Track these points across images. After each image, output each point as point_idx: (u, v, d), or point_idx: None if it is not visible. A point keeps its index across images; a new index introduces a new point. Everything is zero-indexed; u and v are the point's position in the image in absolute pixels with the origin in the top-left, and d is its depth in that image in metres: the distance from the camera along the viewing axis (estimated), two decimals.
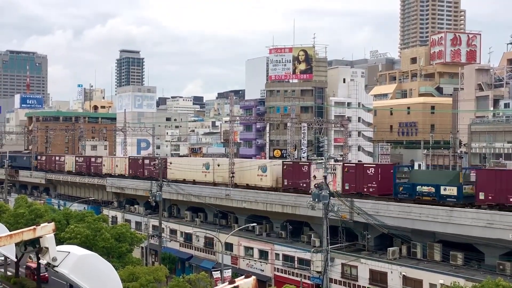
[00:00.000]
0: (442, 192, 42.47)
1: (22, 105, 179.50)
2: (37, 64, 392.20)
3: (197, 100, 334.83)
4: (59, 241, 35.61)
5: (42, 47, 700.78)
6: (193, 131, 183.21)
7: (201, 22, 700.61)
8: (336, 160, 62.44)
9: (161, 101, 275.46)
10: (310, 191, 45.96)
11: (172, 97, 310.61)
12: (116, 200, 78.96)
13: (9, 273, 57.24)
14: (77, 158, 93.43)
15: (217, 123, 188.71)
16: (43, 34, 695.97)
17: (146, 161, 74.40)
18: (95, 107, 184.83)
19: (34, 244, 18.70)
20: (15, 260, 50.29)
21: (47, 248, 13.04)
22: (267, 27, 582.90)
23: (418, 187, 44.13)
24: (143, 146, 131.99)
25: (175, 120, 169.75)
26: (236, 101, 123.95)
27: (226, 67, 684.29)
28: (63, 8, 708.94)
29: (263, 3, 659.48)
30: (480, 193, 40.60)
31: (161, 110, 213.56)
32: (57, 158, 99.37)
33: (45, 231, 13.18)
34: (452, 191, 42.06)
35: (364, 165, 54.35)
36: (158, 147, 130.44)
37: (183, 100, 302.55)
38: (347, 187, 49.13)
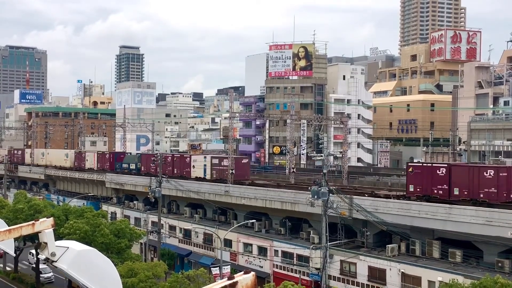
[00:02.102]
0: None
1: (22, 101, 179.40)
2: (36, 59, 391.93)
3: (197, 96, 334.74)
4: (58, 237, 35.63)
5: (42, 42, 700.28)
6: (193, 127, 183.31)
7: (202, 18, 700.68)
8: (335, 157, 62.39)
9: (161, 97, 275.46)
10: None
11: (171, 93, 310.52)
12: (115, 196, 78.97)
13: (8, 268, 57.37)
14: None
15: (217, 120, 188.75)
16: (44, 29, 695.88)
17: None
18: (95, 103, 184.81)
19: (33, 239, 18.66)
20: (14, 255, 50.46)
21: (46, 243, 13.03)
22: (268, 23, 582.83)
23: None
24: (142, 142, 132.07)
25: (174, 116, 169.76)
26: (236, 97, 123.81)
27: (226, 63, 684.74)
28: (64, 3, 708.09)
29: None
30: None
31: (161, 106, 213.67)
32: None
33: (44, 226, 13.17)
34: None
35: None
36: (158, 143, 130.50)
37: (183, 96, 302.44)
38: None
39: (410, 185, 44.78)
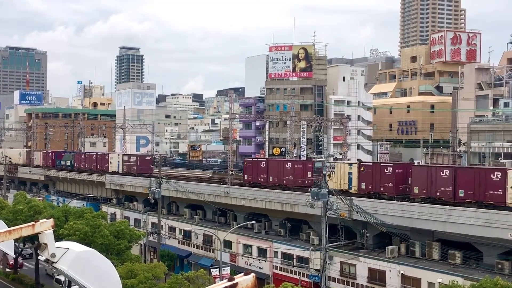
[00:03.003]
0: None
1: (22, 102, 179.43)
2: (36, 60, 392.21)
3: (197, 97, 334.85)
4: (58, 238, 35.60)
5: (43, 43, 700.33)
6: (193, 128, 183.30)
7: (203, 19, 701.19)
8: (335, 158, 62.45)
9: (161, 98, 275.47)
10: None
11: (171, 94, 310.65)
12: (115, 197, 78.95)
13: (7, 270, 57.34)
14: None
15: (217, 121, 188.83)
16: (44, 30, 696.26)
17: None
18: (95, 104, 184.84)
19: (33, 241, 18.66)
20: (14, 256, 50.42)
21: (46, 244, 13.01)
22: (268, 24, 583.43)
23: None
24: (142, 143, 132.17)
25: (174, 117, 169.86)
26: (236, 98, 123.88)
27: (226, 64, 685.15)
28: (64, 4, 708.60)
29: (265, 0, 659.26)
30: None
31: (161, 107, 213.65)
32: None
33: (44, 227, 13.15)
34: None
35: None
36: (158, 144, 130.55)
37: (183, 97, 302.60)
38: None
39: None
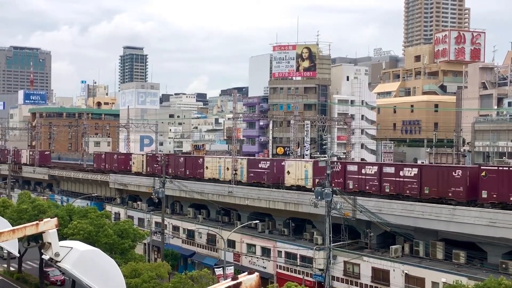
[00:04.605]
0: None
1: (26, 101, 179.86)
2: (40, 60, 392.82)
3: (201, 97, 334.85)
4: (62, 237, 35.67)
5: (47, 43, 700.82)
6: (196, 128, 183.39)
7: (206, 18, 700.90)
8: (339, 158, 62.46)
9: (164, 98, 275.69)
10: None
11: (175, 94, 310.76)
12: (119, 196, 79.07)
13: (12, 269, 57.50)
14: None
15: (220, 120, 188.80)
16: (49, 30, 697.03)
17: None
18: (99, 104, 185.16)
19: (37, 240, 18.71)
20: (18, 255, 50.50)
21: (49, 243, 13.02)
22: (272, 24, 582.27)
23: None
24: (146, 143, 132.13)
25: (178, 117, 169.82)
26: (239, 98, 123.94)
27: (230, 64, 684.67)
28: (68, 3, 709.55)
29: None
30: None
31: (164, 107, 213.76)
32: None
33: (48, 226, 13.15)
34: None
35: None
36: (161, 144, 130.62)
37: (186, 97, 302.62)
38: None
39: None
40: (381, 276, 42.74)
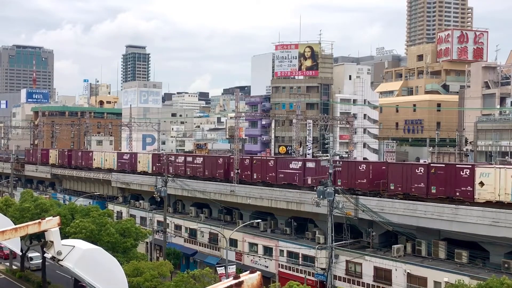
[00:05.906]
0: None
1: (28, 100, 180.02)
2: (43, 59, 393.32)
3: (203, 96, 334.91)
4: (64, 236, 35.68)
5: (50, 41, 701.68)
6: (199, 127, 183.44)
7: (210, 17, 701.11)
8: (341, 157, 62.38)
9: (167, 97, 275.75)
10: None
11: (178, 93, 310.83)
12: (121, 195, 79.14)
13: (14, 267, 57.60)
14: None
15: (223, 119, 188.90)
16: (52, 28, 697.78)
17: None
18: (101, 102, 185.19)
19: (39, 238, 18.76)
20: (20, 253, 50.60)
21: (52, 242, 13.05)
22: (275, 23, 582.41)
23: None
24: (148, 142, 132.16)
25: (180, 115, 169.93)
26: (242, 97, 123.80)
27: (233, 63, 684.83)
28: (72, 2, 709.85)
29: None
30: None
31: (167, 105, 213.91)
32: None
33: (50, 225, 13.18)
34: None
35: None
36: (164, 143, 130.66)
37: (189, 95, 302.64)
38: None
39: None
40: (383, 275, 42.73)
